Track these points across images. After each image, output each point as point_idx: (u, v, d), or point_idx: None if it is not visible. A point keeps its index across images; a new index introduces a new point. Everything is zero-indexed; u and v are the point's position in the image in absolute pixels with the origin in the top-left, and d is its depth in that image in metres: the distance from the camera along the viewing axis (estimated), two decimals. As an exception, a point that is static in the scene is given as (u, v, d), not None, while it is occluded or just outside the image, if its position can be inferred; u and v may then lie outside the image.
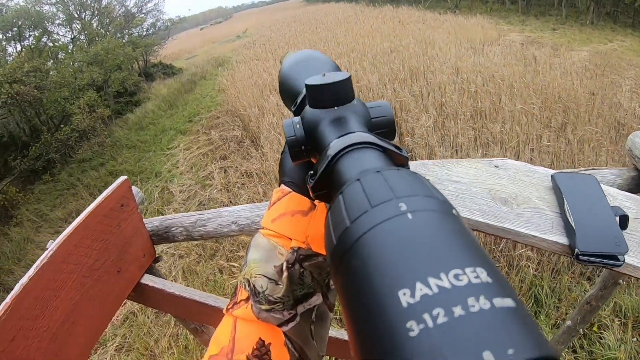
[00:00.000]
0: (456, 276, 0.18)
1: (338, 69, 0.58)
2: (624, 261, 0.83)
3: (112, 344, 3.34)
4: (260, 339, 0.45)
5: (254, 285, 0.46)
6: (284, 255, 0.47)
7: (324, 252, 0.43)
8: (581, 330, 2.00)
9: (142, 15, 18.59)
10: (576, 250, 0.81)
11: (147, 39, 17.60)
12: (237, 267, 3.65)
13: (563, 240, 0.86)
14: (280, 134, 5.38)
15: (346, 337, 1.49)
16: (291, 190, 0.51)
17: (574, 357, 2.66)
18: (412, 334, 0.17)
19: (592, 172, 1.18)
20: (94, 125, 9.69)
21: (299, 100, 0.52)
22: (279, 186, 0.53)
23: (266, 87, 7.77)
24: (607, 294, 1.78)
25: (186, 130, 8.45)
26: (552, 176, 0.99)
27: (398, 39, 10.27)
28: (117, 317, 3.58)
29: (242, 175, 5.50)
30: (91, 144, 9.58)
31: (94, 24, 15.11)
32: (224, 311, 0.48)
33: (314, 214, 0.49)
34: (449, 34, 10.88)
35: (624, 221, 0.93)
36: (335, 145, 0.36)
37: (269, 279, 0.46)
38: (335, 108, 0.43)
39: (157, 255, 1.39)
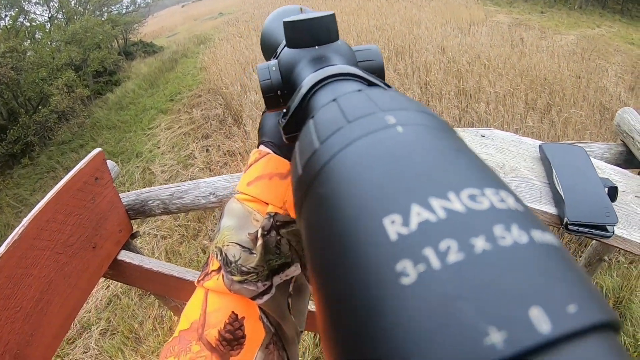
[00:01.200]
0: (472, 197, 0.12)
1: None
2: (613, 232, 0.82)
3: (97, 328, 3.31)
4: (233, 312, 0.42)
5: (225, 254, 0.42)
6: (259, 221, 0.43)
7: None
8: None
9: None
10: (565, 219, 0.80)
11: (126, 17, 17.17)
12: None
13: (552, 210, 0.85)
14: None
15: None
16: (270, 151, 0.46)
17: None
18: (405, 280, 0.11)
19: (581, 145, 1.18)
20: (72, 106, 9.51)
21: (278, 51, 0.44)
22: (258, 147, 0.48)
23: (249, 64, 7.64)
24: (591, 271, 1.80)
25: (167, 109, 8.31)
26: (540, 146, 0.97)
27: (384, 17, 10.15)
28: (101, 300, 3.55)
29: (225, 154, 5.44)
30: (70, 126, 9.38)
31: (72, 2, 14.70)
32: (195, 283, 0.45)
33: None
34: (435, 14, 10.81)
35: (613, 193, 0.92)
36: (311, 77, 0.31)
37: (243, 247, 0.42)
38: (316, 47, 0.37)
39: (134, 231, 1.36)
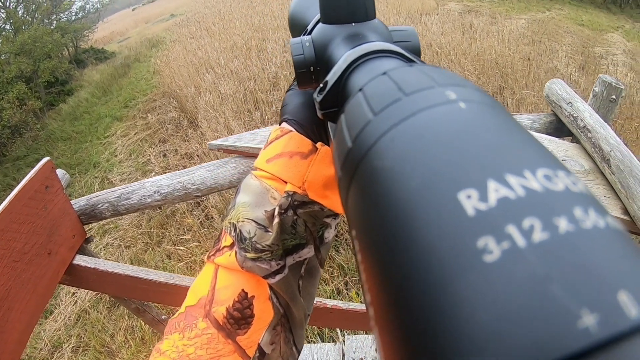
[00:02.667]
0: (547, 177, 0.12)
1: None
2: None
3: (68, 346, 3.22)
4: (243, 290, 0.41)
5: (240, 231, 0.41)
6: (276, 199, 0.42)
7: (321, 200, 0.42)
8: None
9: None
10: None
11: (76, 24, 16.66)
12: (184, 250, 3.60)
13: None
14: (218, 112, 5.28)
15: (329, 304, 1.44)
16: (292, 129, 0.45)
17: None
18: (488, 257, 0.11)
19: None
20: (25, 119, 9.17)
21: (309, 28, 0.42)
22: (280, 124, 0.47)
23: (202, 65, 7.57)
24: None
25: (122, 116, 8.14)
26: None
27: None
28: (69, 317, 3.46)
29: (183, 158, 5.38)
30: (24, 140, 9.05)
31: (20, 12, 14.15)
32: (205, 259, 0.44)
33: (315, 158, 0.43)
34: (387, 5, 10.86)
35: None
36: (351, 53, 0.30)
37: (258, 224, 0.41)
38: (353, 24, 0.36)
39: (87, 236, 1.37)
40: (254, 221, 0.41)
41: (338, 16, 0.36)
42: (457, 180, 0.12)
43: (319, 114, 0.33)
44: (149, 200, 1.25)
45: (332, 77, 0.30)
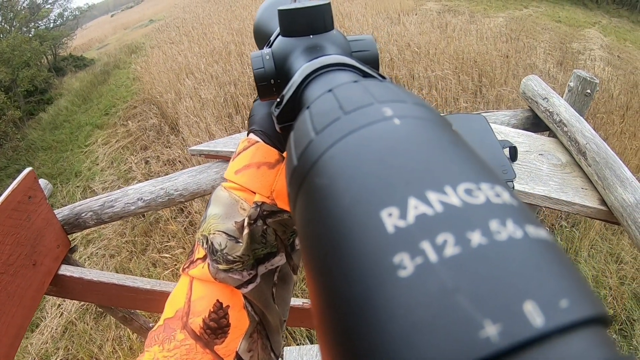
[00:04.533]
0: (468, 191, 0.13)
1: None
2: (513, 188, 0.90)
3: (56, 358, 3.18)
4: (218, 300, 0.42)
5: (212, 243, 0.42)
6: (246, 210, 0.43)
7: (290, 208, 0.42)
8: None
9: (48, 5, 17.28)
10: None
11: (54, 31, 16.47)
12: (169, 258, 3.58)
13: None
14: (199, 117, 5.26)
15: (307, 305, 1.47)
16: (259, 139, 0.46)
17: None
18: (402, 272, 0.11)
19: (487, 114, 1.28)
20: (5, 130, 9.01)
21: (272, 39, 0.43)
22: (247, 135, 0.48)
23: (182, 70, 7.53)
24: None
25: (103, 124, 8.06)
26: (443, 118, 1.05)
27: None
28: (56, 329, 3.41)
29: (165, 164, 5.34)
30: (4, 150, 8.87)
31: (-2, 20, 14.01)
32: (180, 271, 0.45)
33: (282, 167, 0.44)
34: (366, 6, 10.95)
35: (513, 153, 1.01)
36: (306, 67, 0.31)
37: (229, 236, 0.42)
38: (311, 36, 0.37)
39: (72, 246, 1.36)
40: (225, 233, 0.42)
41: (296, 29, 0.37)
42: (382, 199, 0.13)
43: (277, 127, 0.33)
44: (133, 207, 1.25)
45: (288, 91, 0.31)
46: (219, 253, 0.41)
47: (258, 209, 0.42)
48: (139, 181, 5.11)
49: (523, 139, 1.16)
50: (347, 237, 0.13)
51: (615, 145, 4.32)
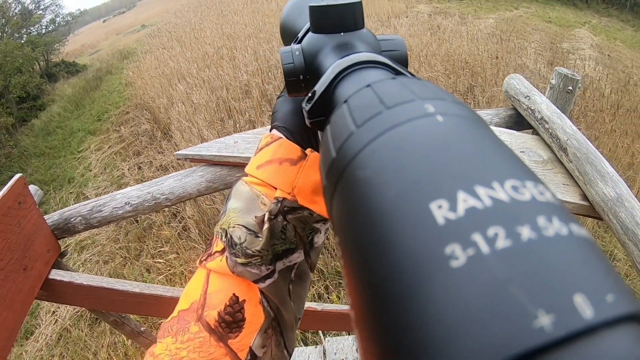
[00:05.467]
0: (515, 188, 0.13)
1: None
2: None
3: (51, 366, 3.17)
4: (234, 294, 0.42)
5: (231, 236, 0.42)
6: (267, 205, 0.43)
7: (311, 205, 0.43)
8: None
9: (40, 11, 17.34)
10: None
11: (47, 37, 16.48)
12: (163, 263, 3.57)
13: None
14: (191, 122, 5.26)
15: (319, 308, 1.49)
16: (282, 135, 0.46)
17: None
18: (454, 263, 0.12)
19: None
20: (-3, 137, 9.04)
21: (300, 36, 0.43)
22: (270, 131, 0.48)
23: (174, 75, 7.55)
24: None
25: (96, 130, 8.04)
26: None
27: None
28: (51, 336, 3.40)
29: (158, 170, 5.34)
30: (-3, 157, 8.92)
31: (-10, 26, 13.99)
32: (197, 263, 0.45)
33: (304, 164, 0.44)
34: (356, 9, 10.99)
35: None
36: (339, 63, 0.31)
37: (249, 230, 0.42)
38: (342, 34, 0.37)
39: (62, 250, 1.37)
40: (245, 227, 0.42)
41: (327, 26, 0.37)
42: (430, 191, 0.14)
43: (307, 122, 0.33)
44: (120, 212, 1.26)
45: (320, 86, 0.31)
46: (238, 246, 0.41)
47: (279, 205, 0.42)
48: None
49: (504, 137, 1.17)
50: (396, 228, 0.14)
51: (607, 143, 4.36)
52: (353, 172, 0.17)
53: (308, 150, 0.45)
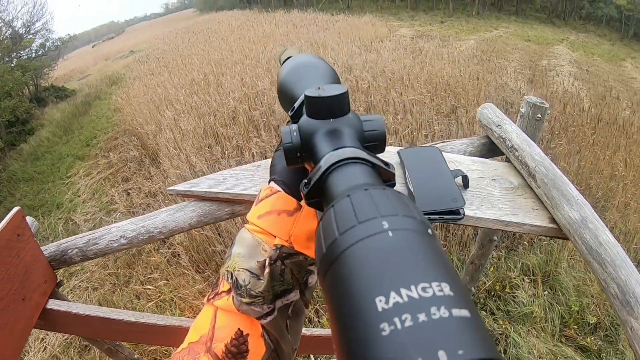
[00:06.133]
0: (423, 289, 0.21)
1: (335, 75, 0.61)
2: (463, 214, 0.97)
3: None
4: (239, 329, 0.47)
5: (236, 279, 0.49)
6: (267, 251, 0.50)
7: (305, 251, 0.51)
8: (473, 289, 2.22)
9: (31, 36, 17.36)
10: None
11: (36, 62, 16.48)
12: (153, 289, 3.55)
13: (405, 205, 1.00)
14: (179, 149, 5.28)
15: (315, 333, 1.59)
16: (280, 189, 0.54)
17: (493, 319, 2.90)
18: (384, 333, 0.20)
19: (443, 144, 1.34)
20: (-14, 161, 8.96)
21: (296, 106, 0.53)
22: (269, 183, 0.56)
23: (162, 102, 7.61)
24: (486, 252, 1.99)
25: (84, 155, 8.05)
26: (398, 152, 1.12)
27: (291, 43, 10.48)
28: None
29: (146, 196, 5.35)
30: (-14, 182, 8.82)
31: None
32: (204, 301, 0.51)
33: (299, 215, 0.52)
34: (340, 35, 11.21)
35: (466, 181, 1.09)
36: (328, 158, 0.39)
37: (252, 273, 0.49)
38: (331, 120, 0.45)
39: (58, 281, 1.40)
40: (248, 271, 0.49)
41: (320, 112, 0.45)
42: (376, 290, 0.22)
43: (305, 202, 0.41)
44: (116, 244, 1.30)
45: (314, 176, 0.39)
46: (243, 288, 0.48)
47: (278, 251, 0.49)
48: (122, 213, 5.08)
49: (477, 166, 1.24)
50: (357, 308, 0.22)
51: (589, 156, 4.44)
52: (337, 267, 0.25)
53: (302, 202, 0.50)
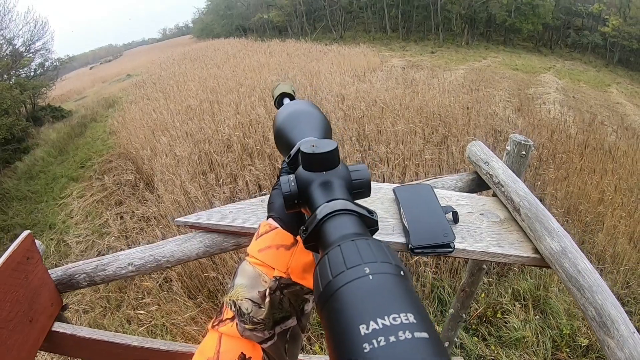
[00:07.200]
0: (394, 318, 0.29)
1: (328, 123, 0.71)
2: (454, 248, 1.05)
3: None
4: (242, 353, 0.52)
5: (239, 307, 0.54)
6: (267, 282, 0.55)
7: (302, 282, 0.57)
8: (464, 315, 2.27)
9: (30, 54, 17.37)
10: (410, 245, 1.01)
11: (35, 81, 16.53)
12: (145, 314, 3.52)
13: (401, 239, 1.08)
14: (174, 175, 5.30)
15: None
16: (278, 225, 0.61)
17: (485, 345, 2.92)
18: (365, 350, 0.27)
19: (435, 181, 1.42)
20: (-20, 178, 8.88)
21: (292, 153, 0.62)
22: (267, 219, 0.63)
23: (157, 127, 7.69)
24: (476, 280, 2.05)
25: (78, 176, 8.05)
26: (393, 189, 1.20)
27: (285, 72, 10.62)
28: None
29: (139, 220, 5.35)
30: (-21, 199, 8.73)
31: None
32: (209, 327, 0.56)
33: (296, 250, 0.58)
34: (332, 65, 11.39)
35: (456, 216, 1.16)
36: (322, 209, 0.46)
37: (254, 302, 0.54)
38: (324, 172, 0.53)
39: (64, 304, 1.43)
40: (251, 300, 0.54)
41: (314, 166, 0.53)
42: (359, 320, 0.29)
43: (304, 246, 0.48)
44: (124, 271, 1.34)
45: (311, 225, 0.46)
46: (246, 316, 0.53)
47: (277, 282, 0.55)
48: (115, 237, 5.05)
49: (466, 201, 1.31)
50: (346, 333, 0.29)
51: (576, 182, 4.53)
52: (331, 303, 0.33)
53: (298, 237, 0.59)
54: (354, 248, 0.37)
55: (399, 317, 0.29)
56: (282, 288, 0.56)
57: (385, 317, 0.29)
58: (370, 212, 0.47)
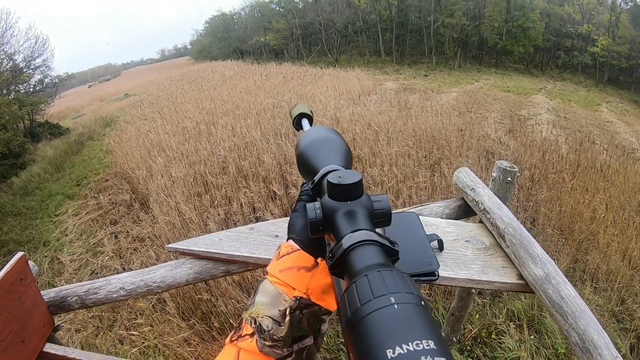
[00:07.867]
0: (417, 344, 0.31)
1: (349, 150, 0.75)
2: (438, 276, 1.07)
3: None
4: None
5: (260, 324, 0.56)
6: (287, 301, 0.57)
7: (321, 303, 0.59)
8: (455, 338, 2.29)
9: (30, 71, 17.49)
10: None
11: (34, 97, 16.65)
12: (138, 335, 3.47)
13: (387, 269, 1.10)
14: (169, 196, 5.31)
15: None
16: (298, 247, 0.63)
17: None
18: None
19: (422, 208, 1.46)
20: (-24, 192, 8.85)
21: (316, 179, 0.66)
22: (287, 241, 0.66)
23: (153, 147, 7.72)
24: (466, 304, 2.08)
25: (74, 194, 8.04)
26: (379, 218, 1.24)
27: (280, 95, 10.70)
28: None
29: (134, 240, 5.34)
30: (-25, 212, 8.67)
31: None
32: (227, 341, 0.58)
33: (316, 271, 0.60)
34: (327, 88, 11.49)
35: (441, 244, 1.19)
36: (348, 239, 0.49)
37: (274, 320, 0.56)
38: (349, 202, 0.55)
39: (56, 325, 1.44)
40: (271, 318, 0.56)
41: (339, 196, 0.56)
42: (386, 345, 0.32)
43: (329, 272, 0.50)
44: (115, 295, 1.37)
45: (337, 252, 0.49)
46: (266, 333, 0.55)
47: (297, 302, 0.58)
48: (109, 257, 5.04)
49: (452, 229, 1.35)
50: (374, 356, 0.32)
51: (569, 201, 4.55)
52: (359, 329, 0.36)
53: (319, 259, 0.62)
54: (380, 278, 0.40)
55: (421, 343, 0.32)
56: (301, 308, 0.58)
57: (410, 343, 0.31)
58: (392, 242, 0.50)
